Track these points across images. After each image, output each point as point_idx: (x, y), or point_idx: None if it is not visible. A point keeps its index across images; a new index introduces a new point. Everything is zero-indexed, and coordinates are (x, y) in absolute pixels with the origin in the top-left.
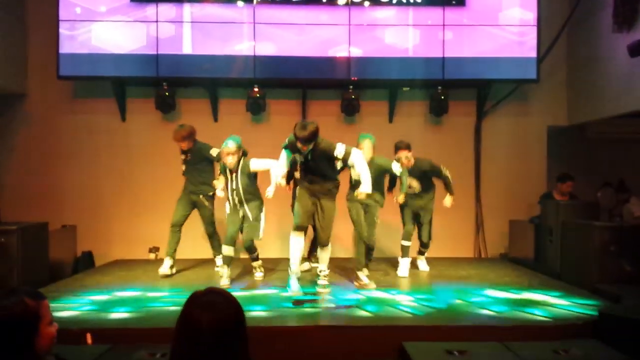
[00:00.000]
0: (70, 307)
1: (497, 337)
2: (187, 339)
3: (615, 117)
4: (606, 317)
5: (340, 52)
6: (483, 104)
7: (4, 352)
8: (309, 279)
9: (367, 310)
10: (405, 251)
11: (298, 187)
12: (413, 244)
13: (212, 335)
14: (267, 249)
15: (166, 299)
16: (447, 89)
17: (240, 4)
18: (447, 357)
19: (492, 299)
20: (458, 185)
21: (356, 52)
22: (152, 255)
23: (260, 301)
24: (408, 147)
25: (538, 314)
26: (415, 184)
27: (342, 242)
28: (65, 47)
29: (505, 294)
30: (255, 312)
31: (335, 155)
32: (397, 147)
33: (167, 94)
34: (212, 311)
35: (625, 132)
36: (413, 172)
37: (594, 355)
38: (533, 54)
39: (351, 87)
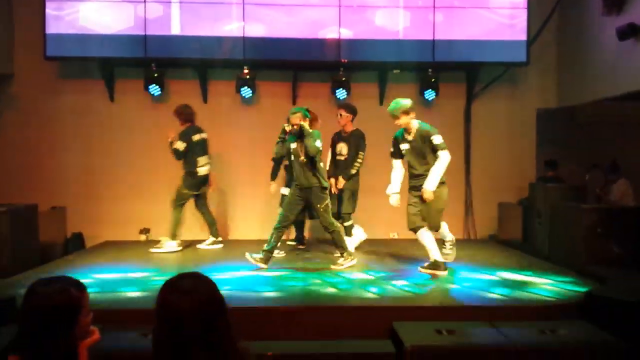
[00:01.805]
0: None
1: (485, 317)
2: (169, 325)
3: (604, 99)
4: (592, 298)
5: (330, 33)
6: (473, 86)
7: (46, 338)
8: None
9: (357, 291)
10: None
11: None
12: None
13: (194, 318)
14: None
15: (156, 278)
16: (437, 72)
17: None
18: (436, 337)
19: (481, 280)
20: (448, 166)
21: (346, 33)
22: (142, 237)
23: (253, 282)
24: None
25: (526, 295)
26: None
27: None
28: (52, 28)
29: (493, 275)
30: (250, 293)
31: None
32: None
33: (155, 74)
34: (190, 294)
35: (615, 115)
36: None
37: (580, 335)
38: (523, 36)
39: (341, 69)
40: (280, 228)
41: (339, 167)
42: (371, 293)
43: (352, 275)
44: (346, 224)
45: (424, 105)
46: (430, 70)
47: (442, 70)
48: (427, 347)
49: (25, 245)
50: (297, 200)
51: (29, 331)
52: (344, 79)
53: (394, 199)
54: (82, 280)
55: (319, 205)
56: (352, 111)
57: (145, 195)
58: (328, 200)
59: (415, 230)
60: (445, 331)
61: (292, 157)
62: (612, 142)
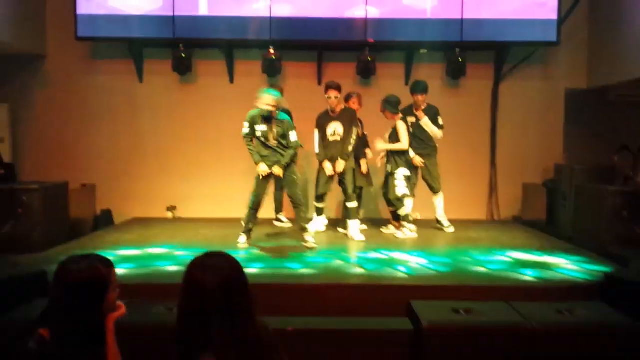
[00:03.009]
0: None
1: (503, 296)
2: (193, 300)
3: (635, 80)
4: (612, 280)
5: (357, 13)
6: (501, 67)
7: (75, 312)
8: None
9: (376, 270)
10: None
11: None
12: None
13: (216, 293)
14: None
15: (183, 254)
16: (465, 52)
17: None
18: (453, 316)
19: (501, 261)
20: (473, 147)
21: (373, 13)
22: (169, 214)
23: (273, 260)
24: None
25: (546, 276)
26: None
27: None
28: (83, 8)
29: (515, 256)
30: (267, 270)
31: None
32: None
33: (183, 55)
34: (213, 271)
35: None
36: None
37: (597, 316)
38: (554, 15)
39: (367, 48)
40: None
41: (335, 149)
42: (389, 272)
43: (370, 254)
44: (349, 204)
45: (451, 86)
46: (457, 50)
47: (469, 50)
48: (444, 325)
49: (56, 221)
50: (266, 180)
51: (59, 306)
52: (369, 58)
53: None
54: (110, 257)
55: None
56: (341, 90)
57: (172, 174)
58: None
59: None
60: (462, 310)
61: (262, 139)
62: None
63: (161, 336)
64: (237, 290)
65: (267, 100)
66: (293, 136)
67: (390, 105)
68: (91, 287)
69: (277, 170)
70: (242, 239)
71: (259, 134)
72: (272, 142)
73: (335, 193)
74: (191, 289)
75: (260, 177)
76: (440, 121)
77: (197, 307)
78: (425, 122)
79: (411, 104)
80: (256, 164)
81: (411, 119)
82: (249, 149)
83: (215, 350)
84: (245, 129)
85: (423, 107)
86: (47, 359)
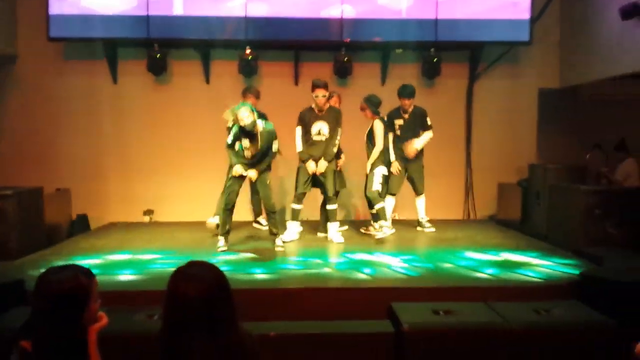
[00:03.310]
0: None
1: (482, 297)
2: (175, 309)
3: (607, 79)
4: (587, 279)
5: (333, 12)
6: (476, 66)
7: (57, 323)
8: None
9: (357, 272)
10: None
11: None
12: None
13: (200, 303)
14: None
15: (162, 261)
16: (440, 51)
17: None
18: (434, 317)
19: (478, 261)
20: (449, 147)
21: (349, 12)
22: (146, 218)
23: (258, 263)
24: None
25: (523, 275)
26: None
27: None
28: (55, 8)
29: (491, 256)
30: (249, 275)
31: None
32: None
33: (158, 55)
34: (197, 281)
35: (618, 94)
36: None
37: (574, 315)
38: (526, 15)
39: (343, 48)
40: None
41: (319, 149)
42: (369, 274)
43: (352, 256)
44: (329, 207)
45: (426, 85)
46: (432, 49)
47: (444, 50)
48: (425, 326)
49: (31, 228)
50: (239, 181)
51: (40, 317)
52: (346, 58)
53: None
54: (88, 262)
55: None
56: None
57: (148, 177)
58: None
59: None
60: (442, 311)
61: (243, 152)
62: (614, 122)
63: (143, 345)
64: (220, 299)
65: (244, 114)
66: (275, 146)
67: (372, 104)
68: (73, 298)
69: (253, 174)
70: (221, 242)
71: (241, 148)
72: (252, 153)
73: (313, 194)
74: (174, 299)
75: (231, 177)
76: (429, 121)
77: (180, 316)
78: (418, 146)
79: (398, 106)
80: (231, 166)
81: (398, 122)
82: (228, 151)
83: (199, 359)
84: (229, 140)
85: (410, 110)
86: None
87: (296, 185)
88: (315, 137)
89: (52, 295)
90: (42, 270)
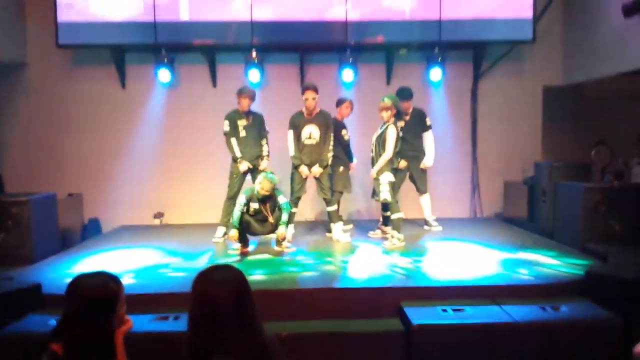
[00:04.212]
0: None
1: (490, 296)
2: (205, 313)
3: (611, 76)
4: (592, 276)
5: (337, 14)
6: (479, 65)
7: (87, 326)
8: None
9: (365, 272)
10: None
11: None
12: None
13: (228, 305)
14: None
15: (171, 264)
16: (444, 51)
17: None
18: (443, 316)
19: (486, 259)
20: (455, 146)
21: (353, 14)
22: (157, 221)
23: (264, 265)
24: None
25: (530, 273)
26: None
27: None
28: (64, 15)
29: (499, 254)
30: (259, 276)
31: None
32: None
33: (165, 60)
34: (224, 284)
35: (622, 90)
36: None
37: (581, 312)
38: (529, 14)
39: (348, 50)
40: None
41: (311, 153)
42: (378, 273)
43: (361, 256)
44: (328, 208)
45: (431, 85)
46: (436, 49)
47: (448, 49)
48: (434, 325)
49: (46, 233)
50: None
51: (72, 321)
52: (351, 60)
53: None
54: (103, 264)
55: None
56: (318, 91)
57: (158, 180)
58: None
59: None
60: (451, 310)
61: (251, 213)
62: (619, 118)
63: (161, 346)
64: (245, 300)
65: (266, 187)
66: (282, 199)
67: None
68: (104, 303)
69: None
70: (232, 232)
71: (250, 210)
72: (263, 216)
73: (313, 197)
74: (202, 302)
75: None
76: (428, 122)
77: (210, 317)
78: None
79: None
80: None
81: (400, 123)
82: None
83: (231, 356)
84: (242, 201)
85: (409, 111)
86: None
87: (291, 189)
88: (307, 141)
89: (84, 300)
90: (59, 274)
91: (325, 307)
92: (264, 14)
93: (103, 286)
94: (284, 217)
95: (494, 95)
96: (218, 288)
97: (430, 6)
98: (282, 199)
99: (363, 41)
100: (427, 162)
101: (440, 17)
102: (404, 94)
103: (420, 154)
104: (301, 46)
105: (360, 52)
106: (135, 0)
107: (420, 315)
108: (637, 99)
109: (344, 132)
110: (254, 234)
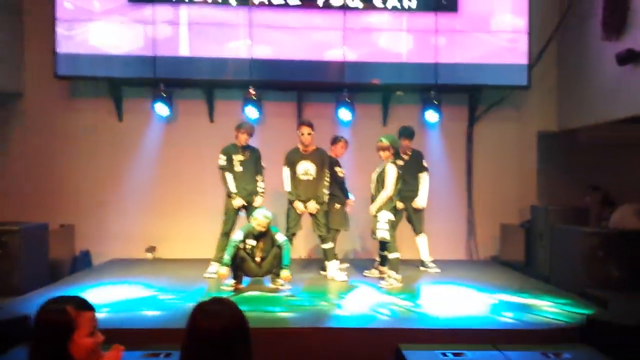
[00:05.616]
0: None
1: (490, 340)
2: (199, 345)
3: (605, 122)
4: (594, 322)
5: (335, 55)
6: (475, 108)
7: (41, 353)
8: None
9: (362, 312)
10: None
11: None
12: None
13: (223, 340)
14: None
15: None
16: (440, 94)
17: (233, 2)
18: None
19: (484, 302)
20: (450, 188)
21: (351, 55)
22: (149, 255)
23: (257, 303)
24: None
25: (529, 318)
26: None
27: None
28: (63, 47)
29: (496, 297)
30: (250, 313)
31: None
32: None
33: (163, 94)
34: (220, 319)
35: (616, 137)
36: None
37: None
38: (524, 60)
39: (345, 90)
40: None
41: (307, 189)
42: (375, 314)
43: (357, 296)
44: (324, 246)
45: (427, 126)
46: (432, 92)
47: (444, 92)
48: None
49: (36, 264)
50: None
51: (32, 346)
52: (348, 99)
53: None
54: (91, 298)
55: None
56: (313, 127)
57: (151, 213)
58: None
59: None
60: (451, 354)
61: (247, 251)
62: (614, 164)
63: None
64: (237, 337)
65: (262, 223)
66: (280, 237)
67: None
68: (54, 329)
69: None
70: (223, 270)
71: (247, 247)
72: (257, 255)
73: (307, 233)
74: (196, 334)
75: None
76: (425, 163)
77: (204, 351)
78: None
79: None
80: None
81: (399, 162)
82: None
83: None
84: (238, 238)
85: (409, 151)
86: None
87: (287, 226)
88: (302, 177)
89: (38, 324)
90: None
91: (319, 348)
92: (263, 52)
93: (58, 312)
94: (286, 258)
95: (490, 138)
96: (213, 321)
97: (427, 50)
98: (280, 237)
99: (359, 82)
100: (420, 202)
101: (436, 61)
102: (406, 132)
103: (417, 194)
104: (299, 85)
105: (357, 92)
106: (135, 35)
107: (419, 358)
108: (632, 145)
109: (338, 169)
110: (247, 274)
